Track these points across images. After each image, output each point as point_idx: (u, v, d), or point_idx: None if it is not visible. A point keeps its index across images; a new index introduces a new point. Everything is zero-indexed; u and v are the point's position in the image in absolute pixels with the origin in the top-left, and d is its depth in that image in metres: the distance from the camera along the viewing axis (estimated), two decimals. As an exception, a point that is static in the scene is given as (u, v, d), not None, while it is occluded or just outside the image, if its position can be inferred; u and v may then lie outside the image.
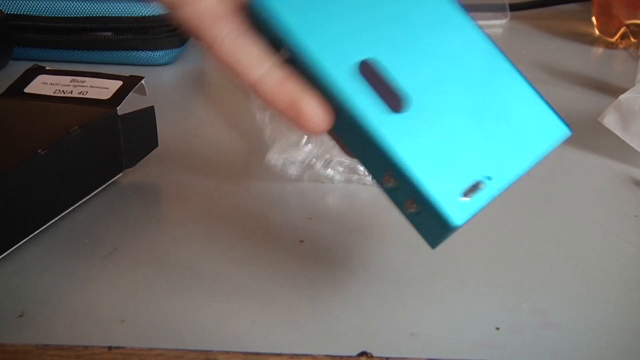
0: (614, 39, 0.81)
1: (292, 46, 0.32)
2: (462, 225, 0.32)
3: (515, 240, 0.43)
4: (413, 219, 0.33)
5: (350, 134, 0.33)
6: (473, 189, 0.32)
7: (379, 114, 0.32)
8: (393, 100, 0.33)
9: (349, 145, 0.34)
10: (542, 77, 0.71)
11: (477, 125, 0.33)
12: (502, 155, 0.33)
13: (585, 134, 0.57)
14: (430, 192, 0.32)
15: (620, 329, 0.36)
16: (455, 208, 0.32)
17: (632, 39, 0.79)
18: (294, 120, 0.32)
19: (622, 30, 0.80)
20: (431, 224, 0.33)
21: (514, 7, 0.92)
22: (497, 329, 0.36)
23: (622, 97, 0.53)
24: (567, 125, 0.35)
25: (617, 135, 0.53)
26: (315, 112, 0.32)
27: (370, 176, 0.35)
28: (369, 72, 0.33)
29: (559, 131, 0.35)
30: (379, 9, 0.34)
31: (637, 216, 0.46)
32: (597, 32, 0.83)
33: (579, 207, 0.47)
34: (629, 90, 0.54)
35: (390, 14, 0.34)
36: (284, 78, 0.32)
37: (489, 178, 0.33)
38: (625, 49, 0.80)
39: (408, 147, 0.32)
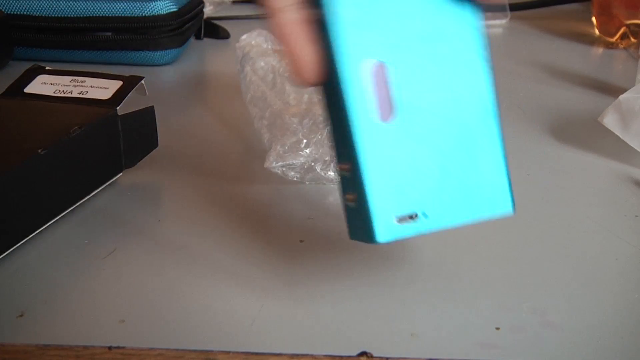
0: (614, 39, 0.81)
1: (326, 15, 0.33)
2: (383, 243, 0.34)
3: (515, 240, 0.43)
4: (348, 209, 0.35)
5: (333, 108, 0.35)
6: (408, 218, 0.34)
7: (366, 112, 0.34)
8: (384, 107, 0.34)
9: (325, 112, 0.35)
10: (542, 77, 0.71)
11: (441, 165, 0.35)
12: (446, 202, 0.35)
13: (585, 134, 0.57)
14: (371, 203, 0.34)
15: (620, 329, 0.36)
16: (385, 227, 0.34)
17: (632, 39, 0.79)
18: (291, 62, 0.34)
19: (622, 30, 0.80)
20: (360, 225, 0.35)
21: (514, 7, 0.92)
22: (497, 329, 0.36)
23: (622, 97, 0.53)
24: (514, 205, 0.37)
25: (617, 135, 0.53)
26: (311, 67, 0.34)
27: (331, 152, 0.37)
28: (378, 74, 0.34)
29: (504, 207, 0.36)
30: (415, 23, 0.35)
31: (637, 216, 0.46)
32: (597, 32, 0.83)
33: (579, 207, 0.47)
34: (629, 90, 0.54)
35: (422, 32, 0.35)
36: (301, 21, 0.34)
37: (425, 215, 0.35)
38: (625, 49, 0.80)
39: (375, 153, 0.34)
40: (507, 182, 0.36)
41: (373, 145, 0.34)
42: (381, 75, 0.34)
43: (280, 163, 0.48)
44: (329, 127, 0.36)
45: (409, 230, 0.34)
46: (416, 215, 0.35)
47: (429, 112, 0.35)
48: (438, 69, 0.35)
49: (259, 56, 0.57)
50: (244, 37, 0.61)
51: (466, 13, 0.36)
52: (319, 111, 0.49)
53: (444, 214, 0.35)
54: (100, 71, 0.52)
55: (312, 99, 0.51)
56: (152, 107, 0.50)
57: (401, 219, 0.34)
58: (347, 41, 0.34)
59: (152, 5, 0.73)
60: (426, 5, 0.35)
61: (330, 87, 0.34)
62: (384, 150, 0.34)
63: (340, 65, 0.33)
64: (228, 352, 0.34)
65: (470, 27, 0.36)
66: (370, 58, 0.34)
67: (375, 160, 0.34)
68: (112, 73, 0.51)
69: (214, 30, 0.84)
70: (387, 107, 0.34)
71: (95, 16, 0.73)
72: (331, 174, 0.49)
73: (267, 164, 0.48)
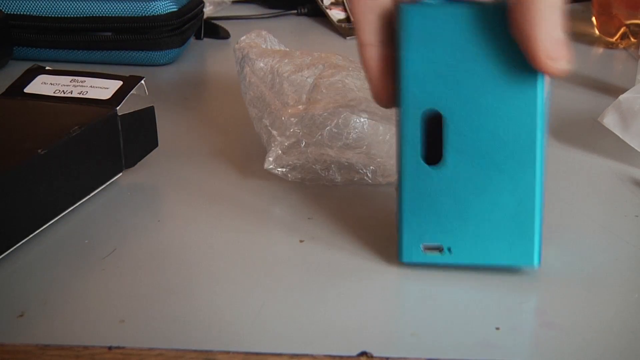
0: (614, 39, 0.81)
1: (400, 59, 0.37)
2: (407, 263, 0.39)
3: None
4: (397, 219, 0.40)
5: (398, 138, 0.39)
6: (434, 248, 0.39)
7: (415, 155, 0.38)
8: (433, 154, 0.38)
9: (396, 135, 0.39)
10: (542, 77, 0.71)
11: (476, 208, 0.38)
12: (473, 243, 0.38)
13: (585, 134, 0.57)
14: (404, 228, 0.39)
15: (620, 329, 0.36)
16: (411, 251, 0.39)
17: (632, 39, 0.79)
18: (370, 87, 0.39)
19: (622, 30, 0.80)
20: (398, 239, 0.39)
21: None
22: (497, 329, 0.36)
23: (622, 97, 0.53)
24: (540, 259, 0.39)
25: (617, 135, 0.53)
26: (385, 96, 0.39)
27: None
28: (433, 122, 0.37)
29: (528, 260, 0.39)
30: (477, 75, 0.36)
31: (637, 216, 0.46)
32: (597, 32, 0.83)
33: (579, 207, 0.47)
34: (629, 90, 0.54)
35: (483, 84, 0.37)
36: (381, 57, 0.38)
37: (449, 250, 0.39)
38: (625, 49, 0.80)
39: (416, 188, 0.38)
40: (537, 237, 0.38)
41: (416, 182, 0.38)
42: (433, 122, 0.37)
43: (280, 164, 0.48)
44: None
45: (432, 259, 0.39)
46: (442, 249, 0.39)
47: (474, 159, 0.37)
48: (490, 120, 0.37)
49: (258, 57, 0.57)
50: (242, 38, 0.61)
51: (530, 72, 0.36)
52: (318, 111, 0.49)
53: (468, 252, 0.39)
54: (100, 71, 0.52)
55: (311, 100, 0.51)
56: (152, 107, 0.50)
57: (427, 248, 0.39)
58: (410, 89, 0.37)
59: (152, 5, 0.73)
60: (492, 59, 0.36)
61: (397, 123, 0.38)
62: (425, 187, 0.38)
63: (401, 111, 0.37)
64: (228, 352, 0.34)
65: (531, 87, 0.36)
66: (429, 107, 0.37)
67: (415, 194, 0.38)
68: (112, 73, 0.51)
69: (214, 30, 0.84)
70: (436, 154, 0.37)
71: (95, 16, 0.73)
72: (331, 174, 0.49)
73: (266, 165, 0.48)
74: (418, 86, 0.37)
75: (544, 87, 0.36)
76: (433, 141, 0.38)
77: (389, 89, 0.38)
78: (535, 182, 0.37)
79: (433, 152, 0.38)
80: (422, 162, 0.38)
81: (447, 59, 0.36)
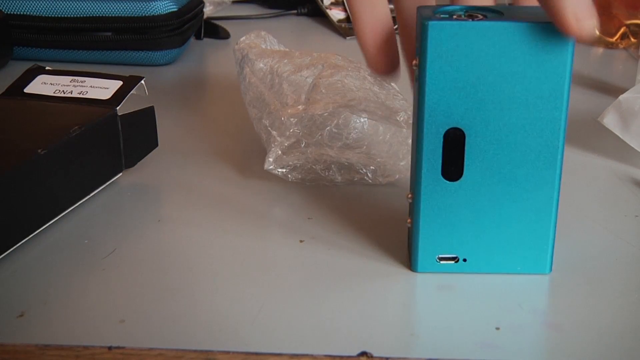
0: (614, 39, 0.81)
1: (423, 75, 0.36)
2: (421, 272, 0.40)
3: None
4: (409, 227, 0.40)
5: (413, 151, 0.39)
6: (450, 259, 0.39)
7: (435, 172, 0.38)
8: (452, 170, 0.38)
9: (412, 146, 0.39)
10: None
11: (493, 221, 0.38)
12: (488, 253, 0.39)
13: (585, 134, 0.57)
14: (420, 240, 0.39)
15: (620, 329, 0.36)
16: (426, 261, 0.39)
17: (632, 39, 0.79)
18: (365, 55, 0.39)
19: (622, 30, 0.80)
20: (410, 247, 0.40)
21: (514, 7, 0.92)
22: (497, 329, 0.36)
23: (622, 97, 0.53)
24: (551, 264, 0.40)
25: (617, 135, 0.53)
26: (374, 64, 0.39)
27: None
28: (453, 139, 0.37)
29: (541, 267, 0.39)
30: (499, 90, 0.36)
31: (637, 216, 0.46)
32: (597, 32, 0.83)
33: (579, 207, 0.47)
34: (629, 90, 0.54)
35: (505, 100, 0.36)
36: (374, 19, 0.38)
37: (465, 260, 0.39)
38: (625, 49, 0.80)
39: (434, 202, 0.38)
40: (550, 245, 0.39)
41: (434, 197, 0.38)
42: (453, 139, 0.37)
43: (280, 165, 0.48)
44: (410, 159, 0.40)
45: (447, 268, 0.39)
46: (457, 259, 0.39)
47: (494, 175, 0.38)
48: (512, 138, 0.37)
49: (258, 57, 0.57)
50: (242, 39, 0.61)
51: (554, 90, 0.36)
52: (317, 111, 0.49)
53: (483, 262, 0.39)
54: (100, 71, 0.52)
55: (310, 100, 0.51)
56: (152, 107, 0.50)
57: (442, 259, 0.39)
58: (433, 107, 0.37)
59: (152, 5, 0.73)
60: (516, 77, 0.36)
61: (415, 137, 0.38)
62: (444, 202, 0.38)
63: (422, 128, 0.37)
64: (228, 352, 0.34)
65: (555, 105, 0.36)
66: (451, 125, 0.37)
67: (433, 209, 0.38)
68: (112, 73, 0.51)
69: (214, 30, 0.84)
70: (454, 171, 0.38)
71: (95, 16, 0.73)
72: (331, 174, 0.49)
73: (266, 166, 0.48)
74: (441, 104, 0.37)
75: (568, 97, 0.36)
76: (451, 155, 0.38)
77: (386, 54, 0.38)
78: (554, 196, 0.38)
79: (451, 166, 0.38)
80: (441, 178, 0.38)
81: (471, 77, 0.36)
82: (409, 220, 0.40)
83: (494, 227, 0.39)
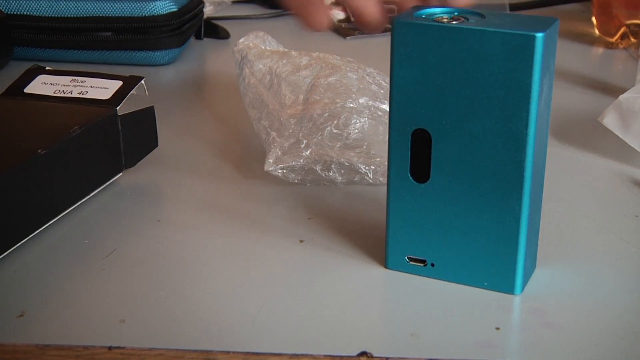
0: (614, 39, 0.81)
1: (391, 75, 0.37)
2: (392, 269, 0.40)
3: (515, 240, 0.43)
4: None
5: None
6: (418, 261, 0.39)
7: (403, 172, 0.38)
8: (420, 172, 0.37)
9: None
10: (542, 77, 0.71)
11: (461, 227, 0.38)
12: (456, 261, 0.38)
13: (585, 134, 0.57)
14: (389, 238, 0.39)
15: (620, 329, 0.36)
16: (396, 260, 0.40)
17: (632, 39, 0.79)
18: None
19: (622, 30, 0.80)
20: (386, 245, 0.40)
21: (514, 7, 0.92)
22: (497, 329, 0.36)
23: (622, 97, 0.53)
24: (524, 285, 0.38)
25: (617, 135, 0.53)
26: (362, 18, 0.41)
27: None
28: (422, 140, 0.37)
29: (509, 287, 0.38)
30: (467, 98, 0.36)
31: (637, 216, 0.46)
32: (597, 32, 0.83)
33: (579, 207, 0.47)
34: (629, 90, 0.54)
35: (472, 101, 0.36)
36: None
37: (432, 265, 0.39)
38: (625, 49, 0.80)
39: (402, 203, 0.38)
40: (520, 265, 0.37)
41: (403, 197, 0.38)
42: (421, 141, 0.37)
43: (280, 166, 0.48)
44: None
45: (416, 270, 0.39)
46: (425, 262, 0.39)
47: (459, 181, 0.37)
48: (477, 143, 0.36)
49: (257, 58, 0.57)
50: (241, 40, 0.61)
51: (520, 97, 0.35)
52: (317, 112, 0.49)
53: (450, 270, 0.39)
54: (100, 71, 0.52)
55: (309, 100, 0.51)
56: (152, 107, 0.50)
57: (412, 260, 0.39)
58: (399, 107, 0.37)
59: (152, 5, 0.73)
60: (481, 82, 0.35)
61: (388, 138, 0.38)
62: (412, 203, 0.38)
63: (390, 127, 0.37)
64: (228, 352, 0.34)
65: (521, 113, 0.35)
66: (417, 126, 0.37)
67: (402, 209, 0.38)
68: (112, 73, 0.51)
69: (214, 30, 0.84)
70: (422, 172, 0.37)
71: (95, 16, 0.73)
72: (332, 174, 0.49)
73: (267, 167, 0.48)
74: (407, 104, 0.36)
75: (537, 112, 0.35)
76: (420, 157, 0.37)
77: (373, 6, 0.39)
78: (522, 211, 0.36)
79: (419, 167, 0.37)
80: (409, 178, 0.38)
81: (437, 79, 0.36)
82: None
83: (461, 236, 0.38)
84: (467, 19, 0.36)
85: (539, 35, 0.34)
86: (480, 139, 0.36)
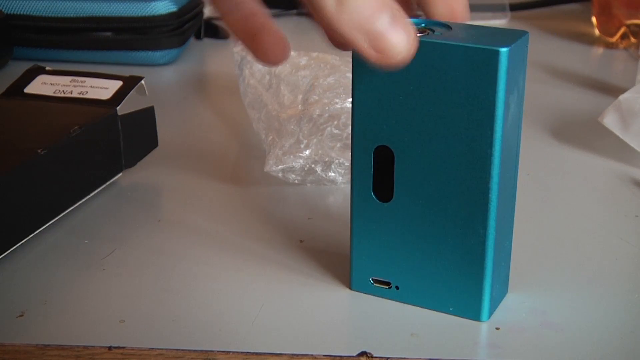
0: (614, 39, 0.81)
1: (353, 92, 0.35)
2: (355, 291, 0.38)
3: (515, 239, 0.43)
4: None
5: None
6: (383, 283, 0.38)
7: (366, 191, 0.36)
8: (383, 190, 0.36)
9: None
10: (542, 77, 0.71)
11: (426, 250, 0.36)
12: (421, 284, 0.37)
13: (585, 134, 0.57)
14: (353, 259, 0.38)
15: (620, 329, 0.36)
16: (360, 281, 0.38)
17: (632, 39, 0.79)
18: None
19: (622, 30, 0.80)
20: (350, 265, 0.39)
21: (514, 7, 0.92)
22: (497, 329, 0.36)
23: (622, 97, 0.53)
24: (491, 312, 0.37)
25: (617, 135, 0.53)
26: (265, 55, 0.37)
27: None
28: (386, 158, 0.35)
29: (475, 314, 0.36)
30: (429, 114, 0.34)
31: (637, 216, 0.46)
32: (597, 32, 0.83)
33: (579, 207, 0.47)
34: (629, 90, 0.54)
35: (435, 118, 0.34)
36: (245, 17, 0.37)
37: (397, 287, 0.37)
38: (625, 49, 0.80)
39: (365, 223, 0.37)
40: (487, 291, 0.35)
41: (366, 217, 0.37)
42: (383, 159, 0.35)
43: (280, 166, 0.48)
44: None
45: (379, 292, 0.38)
46: (390, 284, 0.38)
47: (422, 201, 0.35)
48: (440, 162, 0.34)
49: (257, 59, 0.57)
50: (241, 40, 0.61)
51: (484, 116, 0.33)
52: (316, 112, 0.49)
53: (415, 293, 0.37)
54: (100, 71, 0.52)
55: (308, 100, 0.51)
56: (152, 107, 0.50)
57: (376, 282, 0.38)
58: (361, 124, 0.35)
59: (152, 5, 0.73)
60: (443, 98, 0.33)
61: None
62: (375, 223, 0.37)
63: (352, 143, 0.36)
64: (228, 352, 0.34)
65: (485, 131, 0.33)
66: (380, 143, 0.35)
67: (365, 228, 0.37)
68: (112, 73, 0.51)
69: (214, 30, 0.84)
70: (387, 191, 0.36)
71: (95, 16, 0.73)
72: (332, 174, 0.49)
73: (267, 168, 0.48)
74: (369, 120, 0.35)
75: (502, 131, 0.33)
76: (384, 175, 0.36)
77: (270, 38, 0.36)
78: (487, 235, 0.34)
79: (382, 185, 0.36)
80: (372, 196, 0.36)
81: (399, 94, 0.34)
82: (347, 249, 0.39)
83: (426, 259, 0.36)
84: (433, 31, 0.33)
85: (503, 50, 0.32)
86: (443, 158, 0.34)
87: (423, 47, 0.32)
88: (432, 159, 0.34)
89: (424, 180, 0.35)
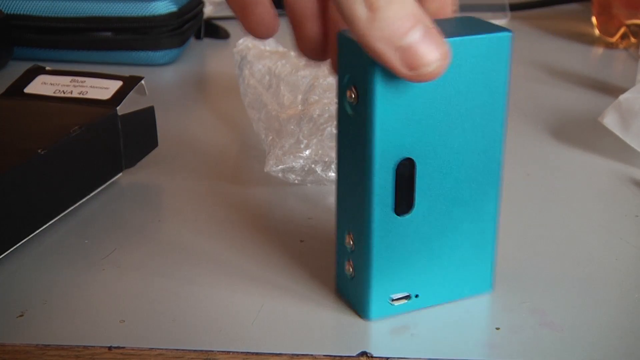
0: (614, 39, 0.81)
1: (371, 108, 0.32)
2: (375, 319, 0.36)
3: (515, 240, 0.43)
4: (341, 271, 0.37)
5: (352, 191, 0.35)
6: (402, 298, 0.36)
7: (387, 207, 0.34)
8: (402, 204, 0.34)
9: (339, 183, 0.36)
10: (542, 77, 0.71)
11: (440, 251, 0.36)
12: (437, 284, 0.37)
13: (585, 134, 0.57)
14: (373, 286, 0.35)
15: (620, 329, 0.36)
16: (380, 306, 0.36)
17: (632, 39, 0.79)
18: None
19: (622, 30, 0.80)
20: (353, 293, 0.37)
21: (514, 7, 0.92)
22: (497, 329, 0.36)
23: (622, 97, 0.53)
24: (493, 282, 0.38)
25: (617, 135, 0.53)
26: (308, 48, 0.37)
27: (336, 222, 0.37)
28: (403, 171, 0.34)
29: (485, 287, 0.38)
30: (445, 116, 0.34)
31: (637, 216, 0.46)
32: (597, 32, 0.83)
33: (579, 207, 0.47)
34: (629, 90, 0.54)
35: (450, 125, 0.34)
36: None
37: (417, 296, 0.36)
38: (625, 49, 0.80)
39: (385, 241, 0.35)
40: (492, 265, 0.38)
41: (387, 236, 0.35)
42: (403, 171, 0.34)
43: (280, 167, 0.48)
44: (336, 194, 0.36)
45: (400, 308, 0.37)
46: (409, 296, 0.37)
47: (442, 202, 0.35)
48: (456, 160, 0.35)
49: (257, 59, 0.57)
50: (240, 41, 0.61)
51: (491, 107, 0.34)
52: (316, 112, 0.49)
53: (433, 294, 0.37)
54: (100, 71, 0.52)
55: (308, 100, 0.51)
56: (152, 107, 0.50)
57: (395, 300, 0.36)
58: (383, 139, 0.33)
59: (152, 5, 0.73)
60: (457, 98, 0.34)
61: (355, 174, 0.34)
62: (396, 239, 0.35)
63: (371, 162, 0.33)
64: (228, 352, 0.34)
65: (494, 120, 0.35)
66: (402, 156, 0.33)
67: (386, 248, 0.35)
68: (112, 73, 0.51)
69: (214, 30, 0.84)
70: (407, 204, 0.35)
71: (95, 16, 0.73)
72: (332, 174, 0.49)
73: (267, 168, 0.48)
74: (392, 135, 0.33)
75: (505, 115, 0.35)
76: (401, 189, 0.35)
77: (319, 35, 0.36)
78: (495, 210, 0.37)
79: (401, 200, 0.35)
80: (393, 214, 0.34)
81: (418, 102, 0.33)
82: (347, 266, 0.37)
83: (443, 257, 0.36)
84: None
85: (508, 34, 0.34)
86: (460, 154, 0.35)
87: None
88: (449, 157, 0.35)
89: (443, 182, 0.35)
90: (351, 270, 0.36)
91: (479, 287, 0.38)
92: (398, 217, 0.35)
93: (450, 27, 0.33)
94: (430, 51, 0.29)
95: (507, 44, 0.34)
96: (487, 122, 0.35)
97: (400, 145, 0.33)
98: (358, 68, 0.32)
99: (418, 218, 0.35)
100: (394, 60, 0.29)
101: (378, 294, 0.36)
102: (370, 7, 0.29)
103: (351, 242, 0.36)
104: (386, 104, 0.32)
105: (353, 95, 0.33)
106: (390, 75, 0.31)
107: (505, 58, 0.34)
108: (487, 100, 0.34)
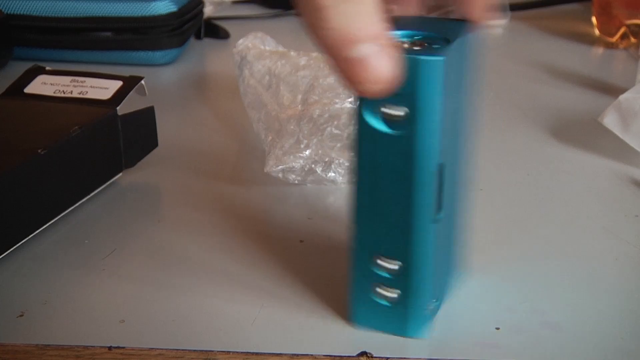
0: (614, 39, 0.81)
1: (418, 114, 0.31)
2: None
3: (515, 239, 0.43)
4: (369, 302, 0.35)
5: (387, 205, 0.33)
6: (431, 309, 0.35)
7: (429, 214, 0.33)
8: (438, 206, 0.33)
9: (362, 203, 0.34)
10: (542, 77, 0.71)
11: (448, 250, 0.37)
12: (446, 284, 0.38)
13: (585, 134, 0.57)
14: (423, 302, 0.34)
15: (620, 329, 0.36)
16: (424, 321, 0.35)
17: (632, 39, 0.79)
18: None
19: (622, 30, 0.80)
20: (390, 318, 0.35)
21: (514, 7, 0.92)
22: (497, 329, 0.36)
23: (622, 97, 0.53)
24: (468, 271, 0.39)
25: (617, 135, 0.53)
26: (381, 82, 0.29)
27: (354, 242, 0.35)
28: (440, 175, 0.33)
29: (464, 272, 0.39)
30: (459, 119, 0.35)
31: (637, 216, 0.46)
32: (597, 32, 0.83)
33: (579, 207, 0.47)
34: (629, 90, 0.54)
35: (460, 127, 0.35)
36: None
37: (436, 300, 0.36)
38: (625, 49, 0.80)
39: (427, 252, 0.33)
40: (464, 253, 0.39)
41: (427, 246, 0.33)
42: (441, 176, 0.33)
43: (280, 167, 0.48)
44: (356, 217, 0.34)
45: (433, 315, 0.36)
46: (433, 303, 0.36)
47: (448, 209, 0.35)
48: (458, 162, 0.36)
49: (257, 59, 0.57)
50: (240, 41, 0.61)
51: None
52: (316, 112, 0.49)
53: (444, 294, 0.38)
54: (100, 71, 0.52)
55: (308, 100, 0.51)
56: (152, 107, 0.50)
57: (430, 308, 0.35)
58: (430, 145, 0.31)
59: (152, 5, 0.73)
60: (460, 98, 0.34)
61: (393, 191, 0.32)
62: (432, 248, 0.33)
63: (414, 170, 0.32)
64: (228, 352, 0.34)
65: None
66: (439, 162, 0.32)
67: (427, 259, 0.33)
68: (112, 73, 0.51)
69: (214, 30, 0.84)
70: (439, 206, 0.33)
71: (95, 16, 0.73)
72: (332, 174, 0.49)
73: (267, 169, 0.48)
74: (433, 142, 0.31)
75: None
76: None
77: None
78: (467, 210, 0.38)
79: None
80: (431, 224, 0.33)
81: (448, 105, 0.32)
82: (389, 294, 0.34)
83: (448, 257, 0.37)
84: (430, 44, 0.32)
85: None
86: (460, 155, 0.36)
87: (455, 49, 0.32)
88: (458, 159, 0.36)
89: (450, 184, 0.35)
90: (388, 294, 0.34)
91: (461, 274, 0.39)
92: (433, 224, 0.33)
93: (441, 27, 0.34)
94: (373, 72, 0.27)
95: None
96: (468, 124, 0.36)
97: (439, 152, 0.32)
98: (406, 87, 0.30)
99: (443, 222, 0.35)
100: (332, 63, 0.27)
101: (420, 309, 0.34)
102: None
103: (386, 265, 0.34)
104: (430, 110, 0.31)
105: (394, 113, 0.31)
106: (434, 84, 0.30)
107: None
108: (469, 101, 0.36)
